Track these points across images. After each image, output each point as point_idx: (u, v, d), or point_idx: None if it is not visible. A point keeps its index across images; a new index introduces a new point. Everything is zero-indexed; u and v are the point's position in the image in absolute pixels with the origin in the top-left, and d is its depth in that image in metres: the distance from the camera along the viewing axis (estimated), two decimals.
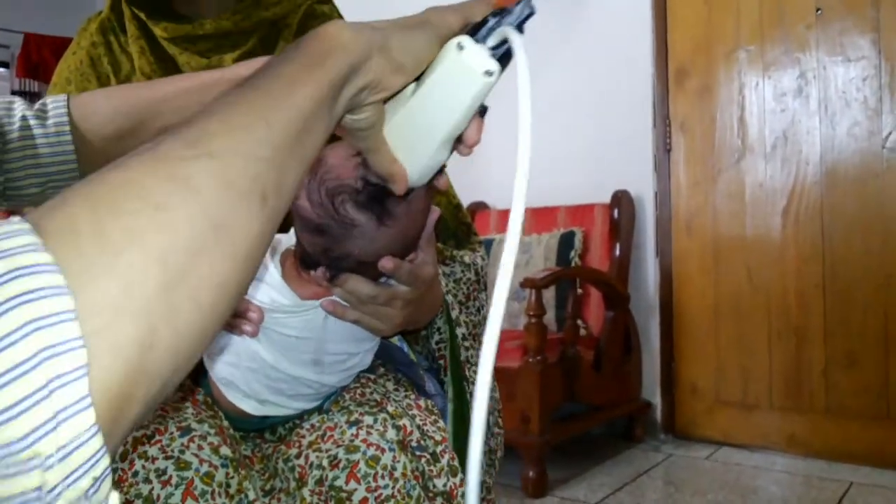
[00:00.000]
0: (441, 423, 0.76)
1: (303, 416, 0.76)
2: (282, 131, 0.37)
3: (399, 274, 0.67)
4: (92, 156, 0.71)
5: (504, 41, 0.49)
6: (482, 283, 0.99)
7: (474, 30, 0.50)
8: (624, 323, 2.75)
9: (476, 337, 0.96)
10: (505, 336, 2.57)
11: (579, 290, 2.75)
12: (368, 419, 0.71)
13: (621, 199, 2.84)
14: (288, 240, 0.73)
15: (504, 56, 0.50)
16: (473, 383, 0.88)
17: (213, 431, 0.70)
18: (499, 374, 2.62)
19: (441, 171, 0.60)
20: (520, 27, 0.50)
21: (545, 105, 3.18)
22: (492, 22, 0.50)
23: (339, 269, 0.66)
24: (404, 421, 0.72)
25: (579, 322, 2.68)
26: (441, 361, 0.86)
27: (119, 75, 0.91)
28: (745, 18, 2.76)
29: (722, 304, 2.82)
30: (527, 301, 2.35)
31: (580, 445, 2.73)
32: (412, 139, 0.54)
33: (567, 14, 3.12)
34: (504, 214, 3.15)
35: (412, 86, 0.51)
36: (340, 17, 1.00)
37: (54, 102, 0.70)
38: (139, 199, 0.30)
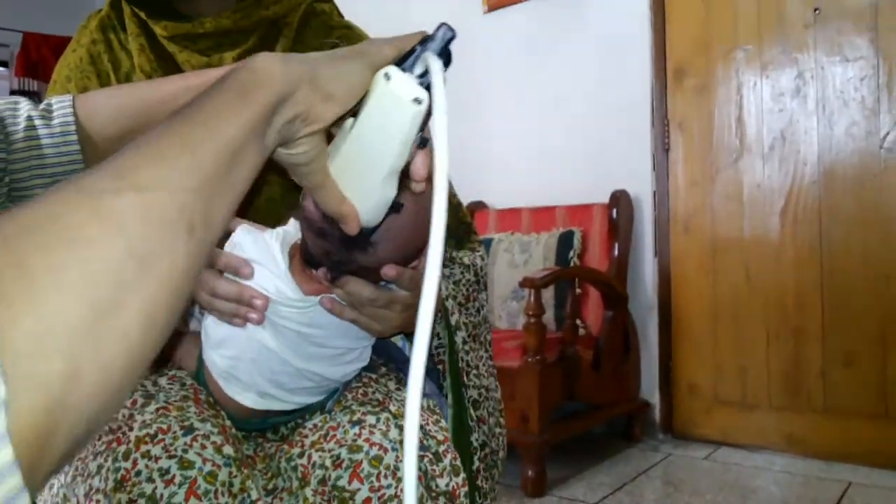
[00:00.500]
0: (443, 423, 0.76)
1: (305, 415, 0.76)
2: (209, 162, 0.38)
3: (401, 281, 0.67)
4: (96, 156, 0.71)
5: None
6: (482, 284, 0.99)
7: (403, 59, 0.51)
8: (623, 322, 2.76)
9: (476, 338, 0.96)
10: (504, 335, 2.57)
11: (578, 290, 2.75)
12: (371, 419, 0.72)
13: (620, 199, 2.85)
14: (296, 232, 0.74)
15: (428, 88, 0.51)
16: (473, 387, 0.88)
17: (216, 431, 0.70)
18: (498, 373, 2.59)
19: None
20: (445, 51, 0.51)
21: (544, 104, 3.18)
22: (417, 50, 0.51)
23: (340, 271, 0.66)
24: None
25: (578, 322, 2.68)
26: (440, 366, 0.87)
27: (119, 73, 0.91)
28: (743, 18, 2.77)
29: (720, 304, 2.83)
30: (526, 301, 2.35)
31: (579, 444, 2.73)
32: (357, 175, 0.54)
33: (566, 13, 3.12)
34: (503, 214, 3.16)
35: (350, 121, 0.52)
36: (340, 15, 1.00)
37: (59, 102, 0.70)
38: (62, 233, 0.30)
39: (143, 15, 0.88)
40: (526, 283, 2.30)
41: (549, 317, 2.73)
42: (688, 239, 2.90)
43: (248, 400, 0.73)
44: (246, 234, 0.72)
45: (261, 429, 0.78)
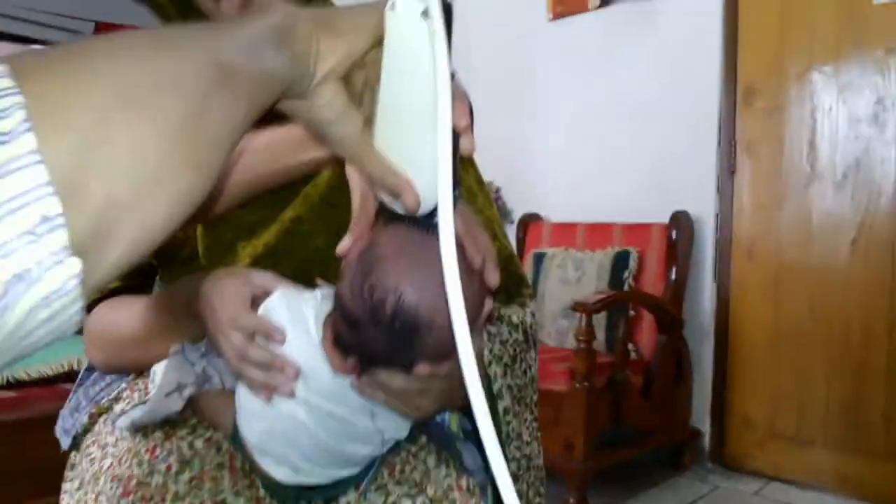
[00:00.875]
0: None
1: (339, 493, 0.75)
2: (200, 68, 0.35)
3: (437, 376, 0.64)
4: None
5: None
6: (531, 342, 0.96)
7: None
8: (676, 348, 2.68)
9: (521, 401, 0.93)
10: (552, 356, 2.53)
11: (632, 312, 2.69)
12: (405, 502, 0.69)
13: (680, 220, 2.77)
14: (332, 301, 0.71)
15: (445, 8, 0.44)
16: (513, 460, 0.85)
17: None
18: (543, 397, 2.55)
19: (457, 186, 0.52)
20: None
21: (607, 117, 3.11)
22: None
23: (370, 364, 0.64)
24: None
25: (630, 346, 2.62)
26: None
27: None
28: (820, 37, 2.64)
29: (781, 334, 2.73)
30: (577, 324, 2.30)
31: (624, 471, 2.67)
32: (400, 136, 0.48)
33: (634, 25, 3.04)
34: (558, 228, 3.10)
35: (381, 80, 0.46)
36: None
37: None
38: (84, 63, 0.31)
39: None
40: (578, 308, 2.25)
41: (600, 338, 2.68)
42: (751, 264, 2.80)
43: (281, 474, 0.72)
44: (281, 299, 0.70)
45: (296, 499, 0.76)
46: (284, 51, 0.40)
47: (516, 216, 3.32)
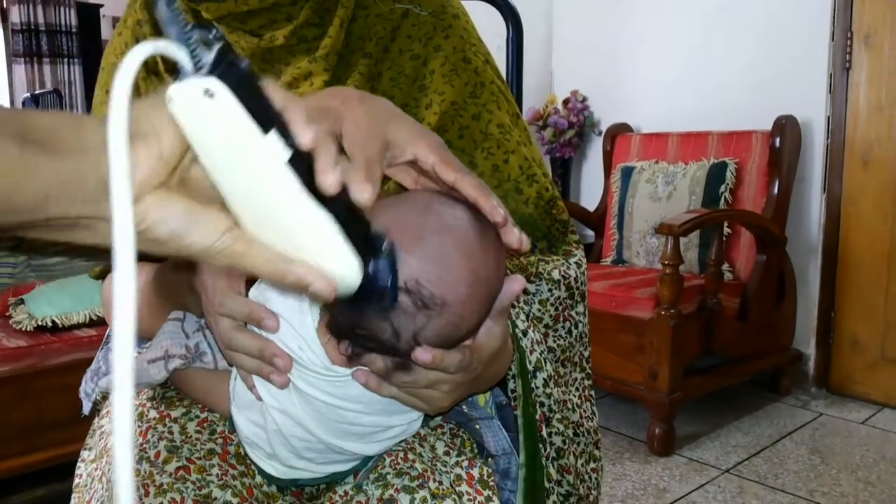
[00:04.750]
0: (495, 502, 0.65)
1: (336, 480, 0.68)
2: None
3: (445, 366, 0.54)
4: None
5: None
6: (577, 296, 0.84)
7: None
8: (777, 267, 2.47)
9: (565, 363, 0.83)
10: (637, 281, 2.39)
11: (728, 230, 2.48)
12: (404, 498, 0.62)
13: (785, 126, 2.49)
14: None
15: (220, 63, 0.35)
16: (556, 434, 0.75)
17: (235, 501, 0.63)
18: (627, 323, 2.42)
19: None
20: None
21: (703, 13, 2.81)
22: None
23: (364, 348, 0.55)
24: (447, 503, 0.62)
25: (725, 266, 2.43)
26: (516, 412, 0.74)
27: (167, 58, 0.81)
28: None
29: None
30: (663, 247, 2.13)
31: (717, 395, 2.53)
32: (271, 222, 0.39)
33: None
34: (648, 139, 2.88)
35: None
36: None
37: None
38: None
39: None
40: (663, 229, 2.08)
41: (691, 258, 2.50)
42: (866, 173, 2.51)
43: (273, 469, 0.66)
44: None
45: (292, 484, 0.70)
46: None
47: (604, 127, 3.11)
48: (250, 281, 0.62)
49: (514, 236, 0.55)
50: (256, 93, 0.37)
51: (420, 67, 0.77)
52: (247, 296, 0.61)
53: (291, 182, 0.38)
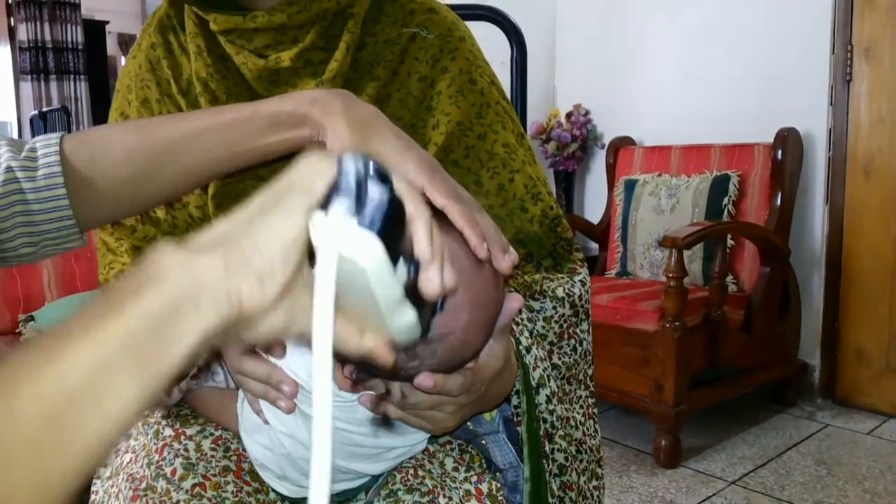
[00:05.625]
0: None
1: (348, 498, 0.69)
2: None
3: (448, 390, 0.55)
4: (98, 204, 0.63)
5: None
6: (581, 314, 0.85)
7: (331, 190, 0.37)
8: (781, 279, 2.48)
9: (571, 380, 0.84)
10: (642, 293, 2.40)
11: (731, 242, 2.50)
12: None
13: (787, 139, 2.50)
14: None
15: (386, 214, 0.36)
16: (559, 451, 0.77)
17: None
18: (632, 336, 2.41)
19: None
20: (365, 180, 0.36)
21: (705, 25, 2.83)
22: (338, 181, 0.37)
23: (368, 374, 0.56)
24: None
25: (729, 278, 2.44)
26: (519, 428, 0.75)
27: (180, 80, 0.83)
28: None
29: None
30: (667, 259, 2.14)
31: (722, 406, 2.53)
32: (358, 314, 0.41)
33: None
34: (651, 152, 2.89)
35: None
36: None
37: (45, 148, 0.62)
38: None
39: (195, 8, 0.78)
40: (667, 242, 2.09)
41: (695, 271, 2.51)
42: (868, 185, 2.52)
43: (285, 489, 0.67)
44: None
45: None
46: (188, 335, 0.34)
47: (606, 140, 3.13)
48: None
49: (506, 264, 0.56)
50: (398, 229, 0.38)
51: (427, 89, 0.78)
52: None
53: (397, 290, 0.39)
